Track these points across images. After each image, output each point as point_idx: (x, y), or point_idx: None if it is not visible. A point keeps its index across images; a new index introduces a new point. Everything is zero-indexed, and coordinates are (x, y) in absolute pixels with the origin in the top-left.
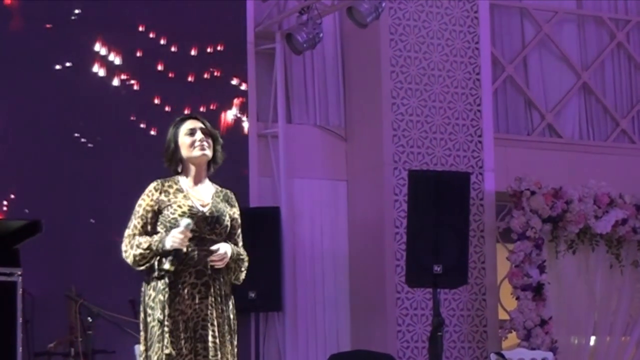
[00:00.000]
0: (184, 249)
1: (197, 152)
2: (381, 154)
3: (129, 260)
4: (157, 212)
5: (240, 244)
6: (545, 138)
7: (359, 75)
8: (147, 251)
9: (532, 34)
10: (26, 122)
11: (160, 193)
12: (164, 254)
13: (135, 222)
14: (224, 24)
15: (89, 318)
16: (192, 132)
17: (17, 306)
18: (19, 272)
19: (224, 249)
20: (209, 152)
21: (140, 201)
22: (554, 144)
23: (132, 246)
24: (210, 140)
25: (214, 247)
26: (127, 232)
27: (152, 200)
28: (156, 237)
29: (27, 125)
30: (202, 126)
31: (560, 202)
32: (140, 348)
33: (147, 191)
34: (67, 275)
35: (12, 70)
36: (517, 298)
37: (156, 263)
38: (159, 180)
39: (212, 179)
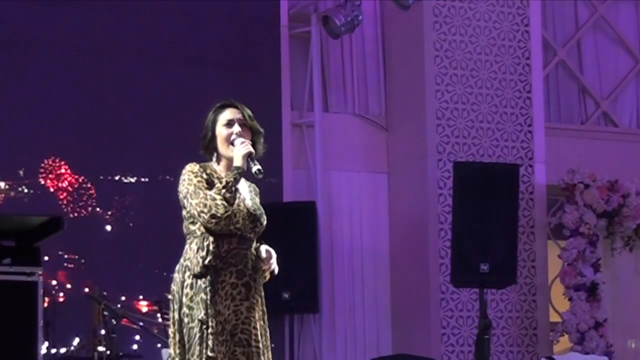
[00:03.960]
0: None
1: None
2: (424, 145)
3: (220, 210)
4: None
5: None
6: (600, 127)
7: (400, 61)
8: (229, 184)
9: (586, 15)
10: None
11: (206, 175)
12: (239, 175)
13: (198, 192)
14: (256, 6)
15: (113, 320)
16: (229, 124)
17: (37, 307)
18: (40, 272)
19: (273, 253)
20: None
21: (188, 179)
22: (610, 133)
23: (212, 198)
24: (248, 133)
25: (263, 253)
26: (195, 202)
27: (203, 175)
28: (222, 179)
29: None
30: (241, 117)
31: (616, 196)
32: (170, 351)
33: (191, 172)
34: (90, 275)
35: None
36: (570, 299)
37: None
38: (196, 164)
39: None
